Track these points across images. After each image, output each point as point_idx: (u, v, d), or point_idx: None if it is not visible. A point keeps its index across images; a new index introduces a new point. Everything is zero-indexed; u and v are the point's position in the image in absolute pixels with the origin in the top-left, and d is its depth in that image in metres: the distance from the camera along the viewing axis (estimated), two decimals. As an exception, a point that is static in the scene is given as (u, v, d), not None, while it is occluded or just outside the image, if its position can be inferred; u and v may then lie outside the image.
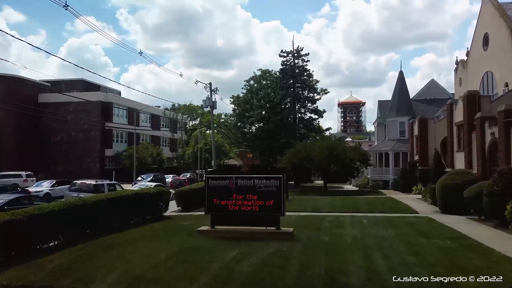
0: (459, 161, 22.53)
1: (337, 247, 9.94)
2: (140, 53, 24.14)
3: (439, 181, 18.34)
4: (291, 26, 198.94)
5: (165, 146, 64.56)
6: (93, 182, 20.02)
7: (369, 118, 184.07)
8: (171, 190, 24.45)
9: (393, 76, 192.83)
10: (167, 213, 17.53)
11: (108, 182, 21.77)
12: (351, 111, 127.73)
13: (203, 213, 12.54)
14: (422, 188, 26.97)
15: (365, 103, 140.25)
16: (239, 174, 12.08)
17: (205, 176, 12.15)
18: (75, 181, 21.27)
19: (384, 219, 15.01)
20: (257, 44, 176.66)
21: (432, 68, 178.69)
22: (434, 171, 24.49)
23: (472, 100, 20.73)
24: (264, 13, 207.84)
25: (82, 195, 18.35)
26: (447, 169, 23.49)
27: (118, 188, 20.90)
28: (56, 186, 25.78)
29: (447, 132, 25.22)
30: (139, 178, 39.42)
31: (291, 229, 11.59)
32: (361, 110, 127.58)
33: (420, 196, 25.20)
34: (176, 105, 70.40)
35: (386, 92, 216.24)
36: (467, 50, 29.88)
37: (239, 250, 9.64)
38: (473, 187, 15.33)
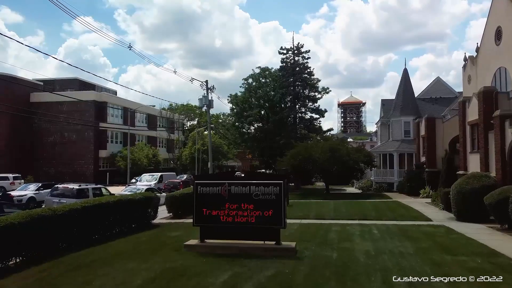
0: (474, 163, 20.94)
1: (348, 268, 8.36)
2: (130, 47, 22.50)
3: (454, 185, 16.81)
4: (289, 27, 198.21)
5: (162, 147, 62.82)
6: (76, 186, 18.32)
7: (369, 119, 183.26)
8: (163, 193, 22.94)
9: (392, 76, 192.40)
10: (156, 221, 15.98)
11: (94, 186, 20.07)
12: (351, 111, 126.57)
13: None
14: (430, 191, 25.44)
15: (365, 103, 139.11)
16: (232, 179, 10.39)
17: (194, 182, 10.54)
18: (57, 185, 19.59)
19: (396, 229, 13.42)
20: (256, 44, 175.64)
21: (431, 68, 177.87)
22: (445, 173, 22.89)
23: (488, 97, 19.14)
24: (263, 14, 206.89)
25: (63, 200, 16.83)
26: (459, 172, 21.92)
27: (104, 192, 19.29)
28: (42, 190, 24.17)
29: (459, 132, 23.59)
30: (133, 180, 37.94)
31: (293, 244, 10.01)
32: (361, 111, 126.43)
33: (429, 200, 23.63)
34: (174, 105, 68.75)
35: (385, 93, 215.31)
36: (477, 46, 28.19)
37: (232, 272, 8.10)
38: (495, 192, 13.82)
